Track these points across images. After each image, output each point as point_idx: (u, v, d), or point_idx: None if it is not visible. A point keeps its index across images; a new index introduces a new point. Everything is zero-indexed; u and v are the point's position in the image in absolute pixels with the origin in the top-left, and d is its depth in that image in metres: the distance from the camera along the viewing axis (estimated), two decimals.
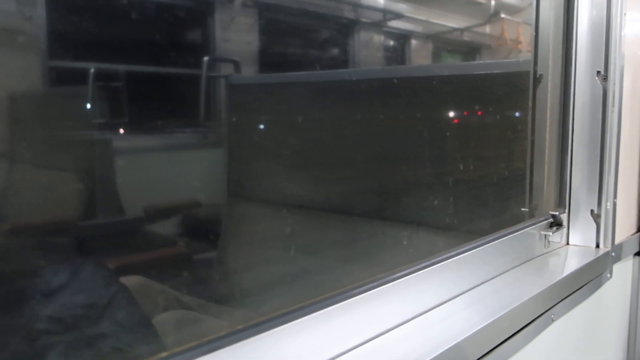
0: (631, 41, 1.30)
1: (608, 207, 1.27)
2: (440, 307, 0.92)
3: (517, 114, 1.39)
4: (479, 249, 1.02)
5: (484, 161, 1.44)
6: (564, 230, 1.29)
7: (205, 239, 1.86)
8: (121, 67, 1.52)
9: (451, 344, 0.78)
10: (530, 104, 1.28)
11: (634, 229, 1.47)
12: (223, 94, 1.92)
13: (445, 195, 1.47)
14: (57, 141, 1.34)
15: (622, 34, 1.24)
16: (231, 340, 0.61)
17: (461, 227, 1.44)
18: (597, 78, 1.24)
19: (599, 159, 1.26)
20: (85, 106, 1.46)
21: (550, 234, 1.22)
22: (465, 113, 1.50)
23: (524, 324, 0.96)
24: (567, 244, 1.31)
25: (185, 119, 1.79)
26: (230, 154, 1.92)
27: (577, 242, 1.31)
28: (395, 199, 1.57)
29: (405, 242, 1.49)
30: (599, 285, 1.27)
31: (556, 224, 1.26)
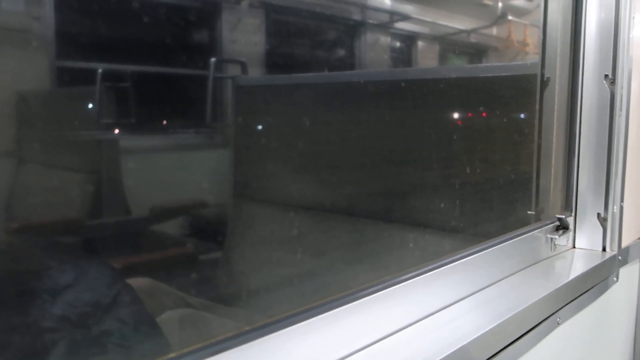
0: (639, 44, 1.30)
1: (615, 210, 1.27)
2: (447, 309, 0.92)
3: (524, 117, 1.39)
4: (485, 251, 1.02)
5: (491, 164, 1.44)
6: (571, 233, 1.29)
7: (214, 240, 1.87)
8: (130, 69, 1.53)
9: (457, 347, 0.78)
10: (537, 107, 1.28)
11: None
12: (230, 95, 1.93)
13: (451, 198, 1.47)
14: (66, 141, 1.35)
15: (631, 37, 1.24)
16: (238, 341, 0.61)
17: (467, 230, 1.44)
18: (604, 81, 1.23)
19: (605, 162, 1.25)
20: (95, 106, 1.46)
21: (557, 237, 1.22)
22: (472, 115, 1.50)
23: (530, 327, 0.96)
24: (574, 247, 1.31)
25: (196, 120, 1.80)
26: (238, 155, 1.93)
27: (584, 246, 1.30)
28: (402, 202, 1.57)
29: (411, 245, 1.49)
30: (605, 289, 1.27)
31: (562, 227, 1.26)
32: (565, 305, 1.08)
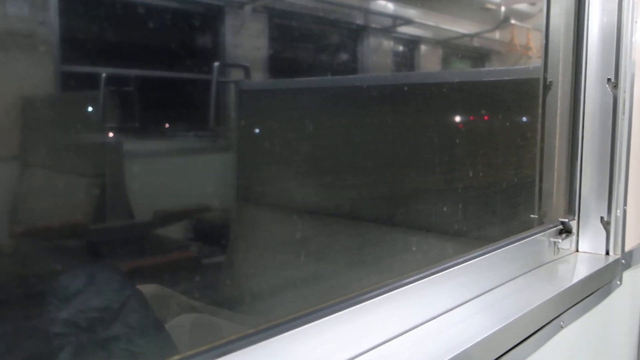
0: None
1: (618, 214, 1.27)
2: (449, 313, 0.92)
3: (527, 121, 1.39)
4: (488, 255, 1.02)
5: (494, 168, 1.44)
6: (574, 237, 1.29)
7: (219, 243, 1.87)
8: (139, 74, 1.54)
9: (460, 350, 0.78)
10: (540, 111, 1.28)
11: None
12: (233, 99, 1.94)
13: (454, 202, 1.47)
14: (73, 145, 1.36)
15: (633, 40, 1.24)
16: (241, 344, 0.62)
17: (470, 234, 1.44)
18: (607, 85, 1.24)
19: (608, 166, 1.25)
20: (102, 110, 1.47)
21: (560, 240, 1.22)
22: (475, 119, 1.50)
23: (534, 331, 0.96)
24: (577, 251, 1.31)
25: (202, 124, 1.81)
26: (242, 158, 1.93)
27: (587, 249, 1.30)
28: (404, 205, 1.57)
29: (414, 248, 1.49)
30: (608, 293, 1.27)
31: (565, 230, 1.26)
32: (568, 309, 1.08)
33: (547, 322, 1.00)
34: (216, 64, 1.92)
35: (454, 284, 0.94)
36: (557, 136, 1.28)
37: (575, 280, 1.12)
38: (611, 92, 1.23)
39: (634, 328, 1.50)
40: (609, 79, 1.23)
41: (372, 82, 1.74)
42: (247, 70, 2.00)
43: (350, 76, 2.07)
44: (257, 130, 1.93)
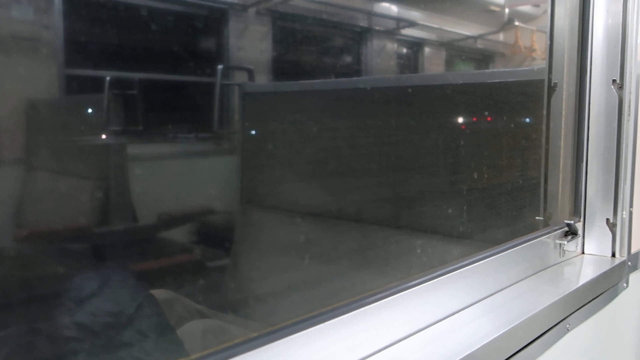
0: None
1: (624, 215, 1.27)
2: (454, 316, 0.91)
3: (532, 123, 1.39)
4: (493, 257, 1.02)
5: (499, 169, 1.44)
6: (579, 239, 1.28)
7: (226, 246, 1.87)
8: (145, 77, 1.55)
9: (465, 354, 0.78)
10: (545, 112, 1.28)
11: None
12: (237, 102, 1.94)
13: (458, 204, 1.47)
14: (82, 151, 1.36)
15: (638, 42, 1.23)
16: (248, 347, 0.62)
17: (475, 236, 1.44)
18: (612, 87, 1.23)
19: (614, 167, 1.25)
20: (110, 113, 1.48)
21: (565, 242, 1.22)
22: (480, 121, 1.50)
23: (539, 334, 0.96)
24: (583, 253, 1.30)
25: (207, 126, 1.81)
26: (246, 160, 1.93)
27: (593, 251, 1.30)
28: (409, 207, 1.57)
29: (418, 251, 1.49)
30: (614, 295, 1.26)
31: (571, 232, 1.25)
32: (575, 312, 1.07)
33: (553, 324, 1.00)
34: (220, 66, 1.93)
35: (459, 286, 0.93)
36: (562, 137, 1.27)
37: (581, 282, 1.12)
38: (616, 94, 1.23)
39: None
40: (614, 80, 1.23)
41: (377, 84, 1.74)
42: (250, 73, 2.00)
43: (355, 78, 2.07)
44: (261, 133, 1.94)
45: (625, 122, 1.23)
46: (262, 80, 2.06)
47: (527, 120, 1.41)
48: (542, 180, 1.29)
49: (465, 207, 1.45)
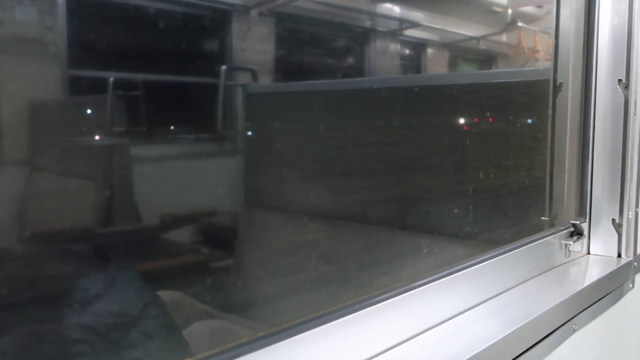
0: None
1: (630, 216, 1.26)
2: (460, 316, 0.91)
3: (537, 123, 1.38)
4: (498, 258, 1.01)
5: (504, 170, 1.43)
6: (585, 239, 1.28)
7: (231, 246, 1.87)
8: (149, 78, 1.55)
9: (471, 354, 0.77)
10: (550, 112, 1.27)
11: None
12: (241, 103, 1.94)
13: (464, 204, 1.46)
14: (88, 152, 1.37)
15: None
16: (253, 347, 0.61)
17: (480, 236, 1.43)
18: (618, 86, 1.23)
19: (620, 167, 1.24)
20: (112, 113, 1.48)
21: (571, 243, 1.21)
22: (485, 121, 1.49)
23: (546, 334, 0.95)
24: (588, 253, 1.30)
25: (212, 127, 1.81)
26: (250, 161, 1.93)
27: (598, 252, 1.29)
28: (414, 208, 1.56)
29: (425, 251, 1.48)
30: (620, 296, 1.25)
31: (577, 233, 1.25)
32: (581, 312, 1.07)
33: (559, 325, 0.99)
34: (223, 67, 1.93)
35: (465, 286, 0.93)
36: (568, 137, 1.27)
37: (587, 283, 1.11)
38: (622, 93, 1.22)
39: None
40: (619, 80, 1.22)
41: (381, 84, 1.74)
42: (254, 74, 2.00)
43: (361, 78, 2.07)
44: (264, 133, 1.93)
45: (631, 121, 1.22)
46: (266, 81, 2.06)
47: (533, 120, 1.41)
48: (548, 180, 1.28)
49: (469, 208, 1.44)
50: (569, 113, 1.27)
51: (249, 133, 1.95)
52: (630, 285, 1.29)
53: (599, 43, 1.24)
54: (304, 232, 1.74)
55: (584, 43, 1.25)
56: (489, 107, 1.46)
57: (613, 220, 1.27)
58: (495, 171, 1.43)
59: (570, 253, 1.23)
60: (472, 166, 1.48)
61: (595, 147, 1.26)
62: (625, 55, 1.21)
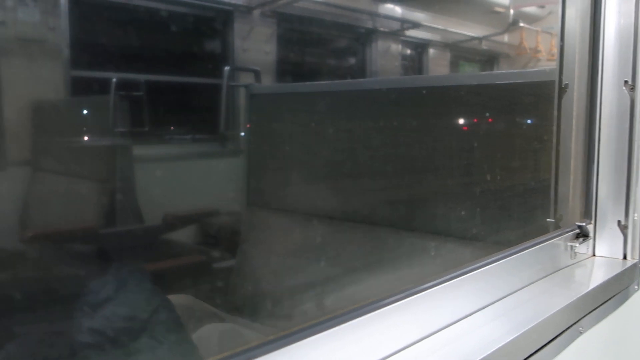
0: None
1: (635, 217, 1.26)
2: (466, 319, 0.91)
3: (542, 124, 1.38)
4: (504, 260, 1.01)
5: (509, 171, 1.43)
6: (591, 241, 1.27)
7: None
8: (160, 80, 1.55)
9: (478, 358, 0.77)
10: (555, 113, 1.27)
11: None
12: (244, 103, 1.94)
13: (469, 206, 1.46)
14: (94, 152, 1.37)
15: None
16: (261, 351, 0.61)
17: (487, 238, 1.43)
18: (624, 88, 1.22)
19: (626, 169, 1.24)
20: (115, 114, 1.48)
21: (577, 245, 1.21)
22: (490, 123, 1.49)
23: (552, 337, 0.95)
24: (594, 255, 1.29)
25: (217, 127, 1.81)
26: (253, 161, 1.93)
27: (604, 254, 1.29)
28: (420, 209, 1.56)
29: (432, 253, 1.48)
30: (626, 297, 1.25)
31: (582, 234, 1.24)
32: (587, 314, 1.07)
33: (565, 328, 0.99)
34: (227, 68, 1.92)
35: (471, 289, 0.93)
36: (573, 139, 1.27)
37: (592, 285, 1.11)
38: (628, 94, 1.22)
39: None
40: (626, 82, 1.22)
41: (386, 85, 1.73)
42: (257, 74, 1.99)
43: (365, 79, 2.06)
44: (267, 134, 1.93)
45: (637, 123, 1.22)
46: (270, 81, 2.06)
47: (539, 121, 1.40)
48: (553, 181, 1.28)
49: (477, 209, 1.44)
50: (574, 114, 1.26)
51: (252, 132, 1.95)
52: (636, 287, 1.29)
53: (604, 44, 1.24)
54: (307, 231, 1.74)
55: (589, 44, 1.25)
56: (493, 109, 1.46)
57: (619, 221, 1.26)
58: (501, 173, 1.42)
59: (575, 255, 1.22)
60: (478, 168, 1.48)
61: (600, 148, 1.26)
62: (632, 56, 1.21)
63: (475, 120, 1.50)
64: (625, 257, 1.27)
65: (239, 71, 2.03)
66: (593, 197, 1.27)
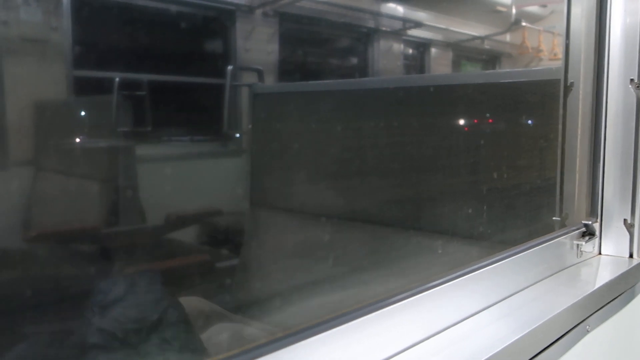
0: None
1: None
2: (472, 318, 0.90)
3: (548, 123, 1.37)
4: (510, 259, 1.00)
5: (515, 170, 1.42)
6: (596, 240, 1.27)
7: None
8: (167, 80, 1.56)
9: (484, 357, 0.77)
10: (561, 112, 1.26)
11: None
12: (247, 102, 1.93)
13: (475, 205, 1.45)
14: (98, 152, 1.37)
15: None
16: (267, 349, 0.61)
17: (493, 237, 1.42)
18: (630, 86, 1.22)
19: (632, 167, 1.23)
20: (117, 114, 1.48)
21: (583, 243, 1.20)
22: (495, 122, 1.49)
23: (559, 336, 0.94)
24: (600, 253, 1.29)
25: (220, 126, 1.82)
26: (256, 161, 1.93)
27: (610, 252, 1.28)
28: (424, 209, 1.56)
29: (439, 251, 1.48)
30: (633, 296, 1.24)
31: (588, 233, 1.24)
32: (594, 313, 1.06)
33: (572, 326, 0.98)
34: (229, 67, 1.92)
35: (477, 288, 0.92)
36: (579, 137, 1.26)
37: (599, 284, 1.10)
38: (634, 93, 1.21)
39: None
40: (632, 80, 1.21)
41: (390, 84, 1.73)
42: (260, 74, 1.99)
43: (370, 78, 2.06)
44: (270, 133, 1.93)
45: None
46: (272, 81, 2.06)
47: (544, 120, 1.40)
48: (559, 180, 1.28)
49: (484, 208, 1.44)
50: (580, 113, 1.26)
51: (255, 132, 1.95)
52: None
53: (610, 42, 1.23)
54: (310, 232, 1.74)
55: (595, 42, 1.24)
56: (500, 107, 1.46)
57: (625, 220, 1.26)
58: (507, 171, 1.42)
59: (581, 253, 1.22)
60: (484, 166, 1.47)
61: (606, 146, 1.25)
62: (638, 54, 1.20)
63: (480, 118, 1.50)
64: (631, 256, 1.26)
65: (242, 71, 2.03)
66: (599, 196, 1.27)
